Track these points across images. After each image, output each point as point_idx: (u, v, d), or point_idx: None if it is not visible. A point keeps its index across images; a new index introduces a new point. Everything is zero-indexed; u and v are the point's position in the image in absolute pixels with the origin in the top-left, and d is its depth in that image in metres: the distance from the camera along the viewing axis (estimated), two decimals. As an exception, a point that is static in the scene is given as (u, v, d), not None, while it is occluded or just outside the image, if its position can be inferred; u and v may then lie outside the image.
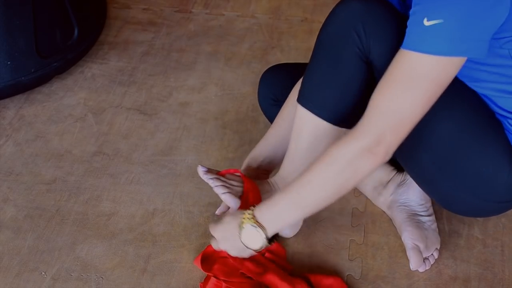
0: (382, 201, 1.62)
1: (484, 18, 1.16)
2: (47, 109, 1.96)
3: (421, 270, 1.51)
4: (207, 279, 1.47)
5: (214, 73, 2.08)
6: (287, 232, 1.56)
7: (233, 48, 2.17)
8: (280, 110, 1.57)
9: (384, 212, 1.63)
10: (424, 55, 1.17)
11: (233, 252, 1.44)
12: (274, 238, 1.39)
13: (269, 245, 1.38)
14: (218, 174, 1.52)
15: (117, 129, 1.89)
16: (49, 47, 1.96)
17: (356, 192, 1.69)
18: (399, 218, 1.56)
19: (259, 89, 1.71)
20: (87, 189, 1.72)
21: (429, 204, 1.58)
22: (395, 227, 1.59)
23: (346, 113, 1.40)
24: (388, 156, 1.25)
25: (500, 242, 1.58)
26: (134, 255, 1.55)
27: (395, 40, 1.31)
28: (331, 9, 1.40)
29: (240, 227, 1.37)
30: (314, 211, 1.37)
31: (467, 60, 1.22)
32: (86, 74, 2.08)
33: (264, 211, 1.36)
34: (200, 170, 1.50)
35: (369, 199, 1.66)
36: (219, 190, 1.48)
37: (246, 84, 2.03)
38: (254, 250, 1.39)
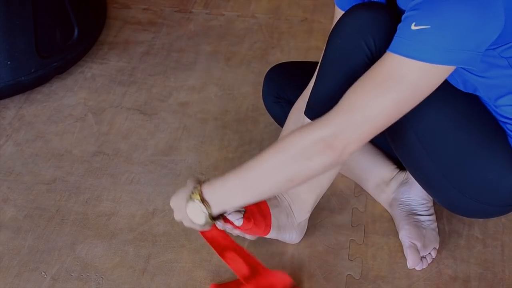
0: (384, 198, 1.62)
1: (475, 31, 1.13)
2: (47, 109, 1.96)
3: (418, 268, 1.51)
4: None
5: (214, 73, 2.08)
6: (294, 237, 1.54)
7: (233, 48, 2.17)
8: (289, 116, 1.55)
9: (384, 212, 1.63)
10: (406, 59, 1.15)
11: (185, 224, 1.39)
12: (221, 216, 1.35)
13: (213, 222, 1.34)
14: None
15: (117, 129, 1.89)
16: (49, 47, 1.96)
17: (356, 192, 1.69)
18: (398, 216, 1.57)
19: (263, 85, 1.72)
20: (87, 189, 1.72)
21: (431, 204, 1.58)
22: (395, 227, 1.59)
23: None
24: (344, 156, 1.22)
25: (500, 242, 1.58)
26: (134, 255, 1.55)
27: None
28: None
29: (188, 200, 1.33)
30: (263, 196, 1.34)
31: (466, 70, 1.20)
32: (86, 74, 2.08)
33: (212, 189, 1.31)
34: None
35: (369, 199, 1.67)
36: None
37: (246, 84, 2.03)
38: (199, 225, 1.34)
